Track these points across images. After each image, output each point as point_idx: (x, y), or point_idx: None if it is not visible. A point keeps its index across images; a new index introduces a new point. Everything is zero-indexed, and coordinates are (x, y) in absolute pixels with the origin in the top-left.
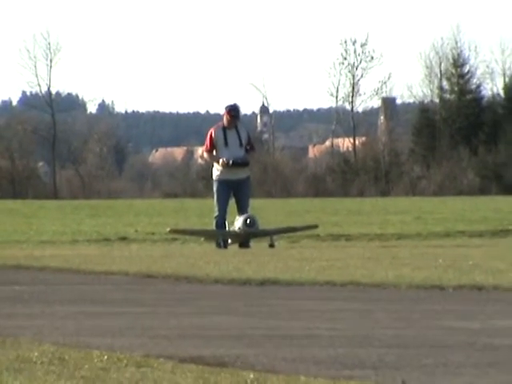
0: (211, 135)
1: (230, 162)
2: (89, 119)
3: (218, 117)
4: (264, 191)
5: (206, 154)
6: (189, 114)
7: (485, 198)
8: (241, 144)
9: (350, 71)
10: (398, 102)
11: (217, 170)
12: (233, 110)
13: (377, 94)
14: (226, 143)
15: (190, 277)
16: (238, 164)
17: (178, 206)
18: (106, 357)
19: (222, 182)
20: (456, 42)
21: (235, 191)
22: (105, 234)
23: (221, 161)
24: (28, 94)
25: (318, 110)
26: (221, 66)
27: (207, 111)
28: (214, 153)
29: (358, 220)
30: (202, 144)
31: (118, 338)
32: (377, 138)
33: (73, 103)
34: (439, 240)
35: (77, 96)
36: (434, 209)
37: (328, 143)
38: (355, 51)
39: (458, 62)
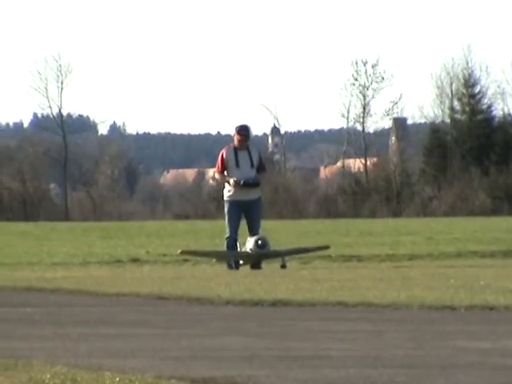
0: (222, 156)
1: (241, 182)
2: (100, 141)
3: (229, 138)
4: (275, 212)
5: (217, 175)
6: (200, 135)
7: (496, 218)
8: (252, 165)
9: (360, 92)
10: (409, 122)
11: (228, 191)
12: (243, 130)
13: (388, 114)
14: (237, 164)
15: (202, 298)
16: (249, 184)
17: (190, 227)
18: (117, 378)
19: (233, 203)
20: (467, 63)
21: (246, 212)
22: (116, 255)
23: (232, 180)
24: (39, 115)
25: (329, 130)
26: (232, 87)
27: (218, 132)
28: (226, 173)
29: (369, 241)
30: (213, 165)
31: (129, 360)
32: (388, 159)
33: (84, 125)
34: (451, 260)
35: (88, 118)
36: (446, 229)
37: (339, 164)
38: (366, 72)
39: (469, 83)
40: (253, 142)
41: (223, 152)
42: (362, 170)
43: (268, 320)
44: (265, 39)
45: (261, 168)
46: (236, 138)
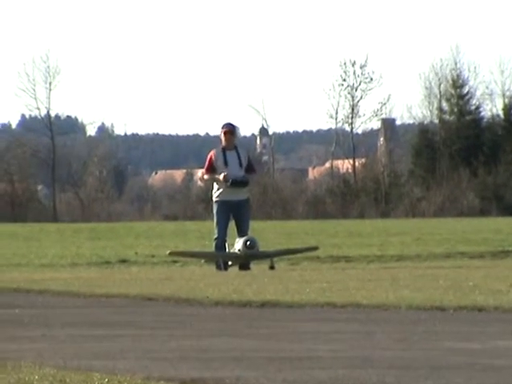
0: (211, 157)
1: (230, 180)
2: (88, 142)
3: (217, 139)
4: (264, 213)
5: (206, 176)
6: (188, 136)
7: (485, 219)
8: (240, 164)
9: (349, 93)
10: (398, 123)
11: (217, 190)
12: (227, 125)
13: (376, 115)
14: (225, 163)
15: (191, 299)
16: (238, 183)
17: (178, 228)
18: (106, 379)
19: (222, 204)
20: (455, 63)
21: (235, 213)
22: (105, 256)
23: (222, 175)
24: (27, 117)
25: (318, 131)
26: (220, 88)
27: (207, 133)
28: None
29: (357, 242)
30: (201, 166)
31: (118, 361)
32: (376, 160)
33: (72, 126)
34: (439, 261)
35: (76, 119)
36: (434, 230)
37: (328, 165)
38: (354, 72)
39: (458, 83)
40: (241, 143)
41: (212, 153)
42: (350, 170)
43: (257, 321)
44: (253, 40)
45: (250, 169)
46: (223, 137)
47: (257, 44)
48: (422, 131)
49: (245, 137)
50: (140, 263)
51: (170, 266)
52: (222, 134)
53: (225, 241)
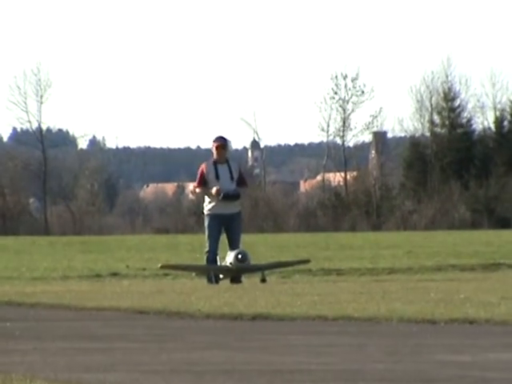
0: (202, 170)
1: (222, 194)
2: (80, 155)
3: (208, 152)
4: (255, 226)
5: (197, 189)
6: (180, 149)
7: (476, 231)
8: (232, 177)
9: (340, 106)
10: (389, 136)
11: (209, 203)
12: (218, 140)
13: (368, 128)
14: (217, 177)
15: (182, 312)
16: (229, 196)
17: (170, 241)
18: None
19: (214, 217)
20: (446, 76)
21: (226, 226)
22: (96, 269)
23: (214, 189)
24: (18, 130)
25: (309, 144)
26: (211, 101)
27: (198, 146)
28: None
29: (349, 254)
30: (193, 179)
31: (109, 374)
32: (368, 173)
33: (63, 139)
34: (431, 274)
35: (67, 132)
36: (426, 243)
37: (319, 178)
38: (346, 86)
39: (449, 96)
40: (233, 156)
41: (203, 166)
42: (341, 183)
43: (248, 334)
44: (244, 53)
45: (242, 182)
46: (214, 151)
47: (248, 57)
48: (414, 144)
49: (236, 150)
50: (131, 276)
51: (161, 279)
52: (214, 148)
53: (216, 254)
